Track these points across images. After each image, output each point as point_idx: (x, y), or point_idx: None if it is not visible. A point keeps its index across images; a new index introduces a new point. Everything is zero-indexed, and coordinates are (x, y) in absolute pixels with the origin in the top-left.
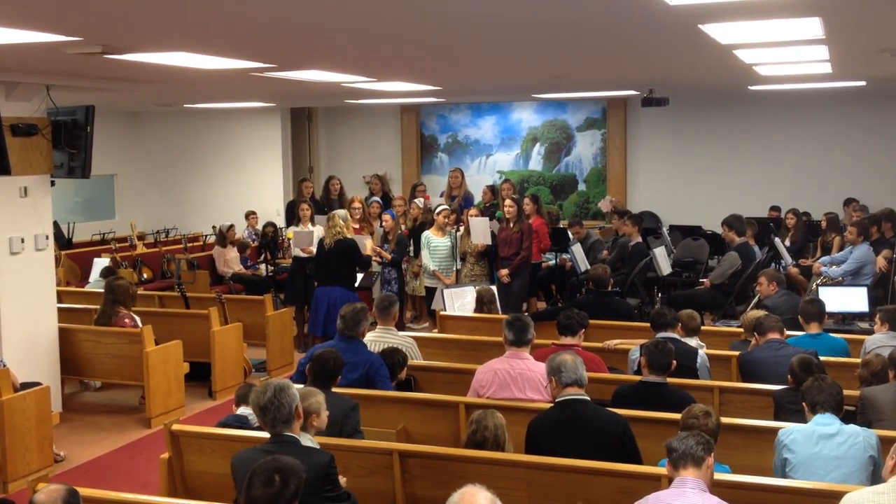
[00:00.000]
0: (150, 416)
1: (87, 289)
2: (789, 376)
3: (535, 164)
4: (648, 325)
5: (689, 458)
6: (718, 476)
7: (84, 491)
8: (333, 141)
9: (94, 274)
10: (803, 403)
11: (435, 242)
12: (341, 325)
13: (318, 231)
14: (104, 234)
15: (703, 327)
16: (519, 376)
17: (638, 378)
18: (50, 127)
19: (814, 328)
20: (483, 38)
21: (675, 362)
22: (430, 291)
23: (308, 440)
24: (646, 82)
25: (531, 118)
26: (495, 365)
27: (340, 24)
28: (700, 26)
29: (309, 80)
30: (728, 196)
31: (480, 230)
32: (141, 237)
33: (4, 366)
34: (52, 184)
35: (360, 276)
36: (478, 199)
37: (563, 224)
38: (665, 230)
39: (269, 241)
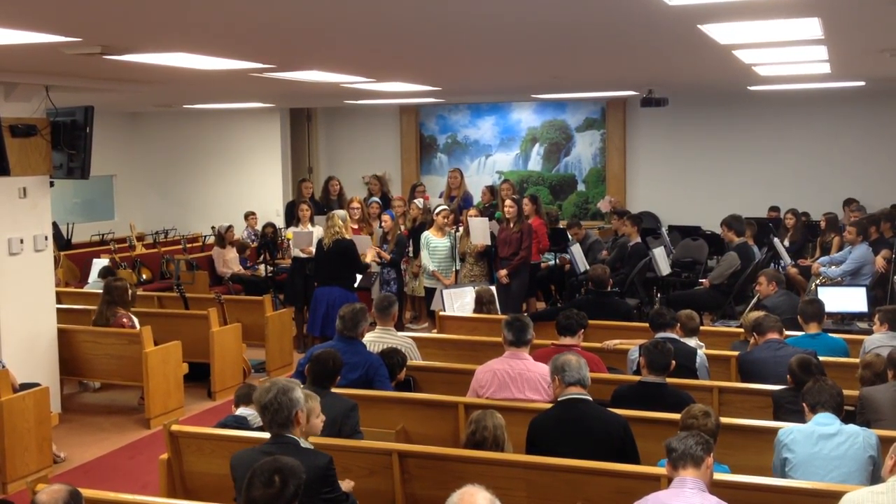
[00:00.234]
0: (150, 417)
1: (86, 289)
2: (788, 376)
3: (535, 164)
4: (647, 325)
5: (688, 458)
6: (718, 476)
7: (84, 491)
8: (333, 141)
9: (94, 275)
10: (803, 404)
11: (434, 243)
12: (340, 326)
13: (317, 231)
14: (103, 234)
15: (702, 327)
16: (518, 376)
17: (637, 378)
18: (49, 127)
19: (813, 328)
20: (483, 38)
21: (674, 362)
22: (430, 292)
23: (304, 443)
24: (645, 82)
25: (530, 118)
26: (494, 365)
27: (340, 25)
28: (699, 26)
29: (308, 81)
30: (727, 196)
31: (480, 230)
32: (140, 238)
33: (4, 366)
34: (52, 184)
35: (359, 277)
36: (477, 199)
37: (562, 224)
38: (664, 230)
39: (269, 241)
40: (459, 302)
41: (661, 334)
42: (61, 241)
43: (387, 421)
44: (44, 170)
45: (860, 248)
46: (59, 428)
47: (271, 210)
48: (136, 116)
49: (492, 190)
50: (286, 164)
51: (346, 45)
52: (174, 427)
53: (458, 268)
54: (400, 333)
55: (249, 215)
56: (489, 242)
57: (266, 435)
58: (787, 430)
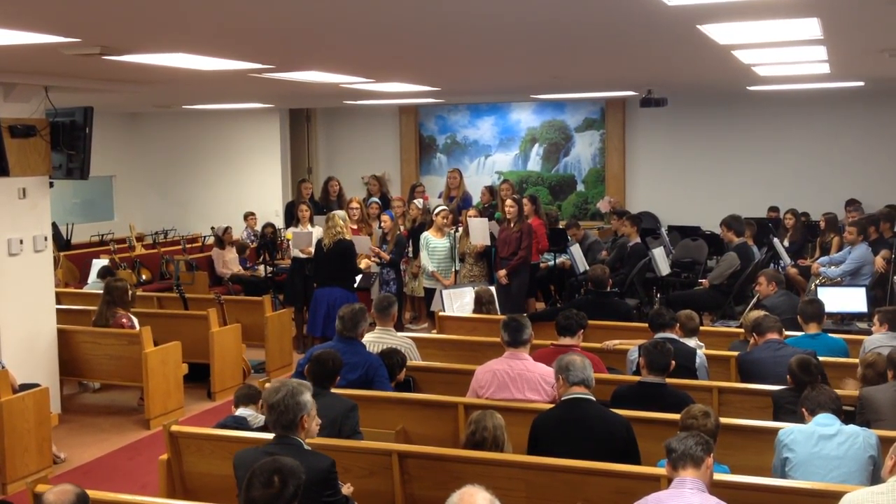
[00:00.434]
0: (149, 418)
1: (85, 290)
2: (788, 377)
3: (534, 164)
4: (647, 325)
5: (688, 458)
6: (718, 476)
7: None
8: (332, 142)
9: (93, 275)
10: (802, 409)
11: (434, 243)
12: (340, 326)
13: (317, 232)
14: (103, 235)
15: (701, 328)
16: (518, 377)
17: (637, 378)
18: (48, 128)
19: (813, 328)
20: (483, 38)
21: (673, 363)
22: (429, 292)
23: (307, 445)
24: (644, 82)
25: (530, 119)
26: (494, 365)
27: (339, 25)
28: (699, 26)
29: (308, 81)
30: (727, 196)
31: (479, 231)
32: (140, 238)
33: (3, 367)
34: (51, 185)
35: (358, 277)
36: (476, 199)
37: (561, 225)
38: (664, 230)
39: (268, 241)
40: (459, 302)
41: (660, 334)
42: (61, 242)
43: (386, 421)
44: (43, 170)
45: (860, 248)
46: (59, 428)
47: (271, 210)
48: (135, 117)
49: (491, 190)
50: (285, 164)
51: (346, 46)
52: (174, 427)
53: (457, 268)
54: (399, 334)
55: (249, 216)
56: (489, 243)
57: (267, 435)
58: (788, 430)
